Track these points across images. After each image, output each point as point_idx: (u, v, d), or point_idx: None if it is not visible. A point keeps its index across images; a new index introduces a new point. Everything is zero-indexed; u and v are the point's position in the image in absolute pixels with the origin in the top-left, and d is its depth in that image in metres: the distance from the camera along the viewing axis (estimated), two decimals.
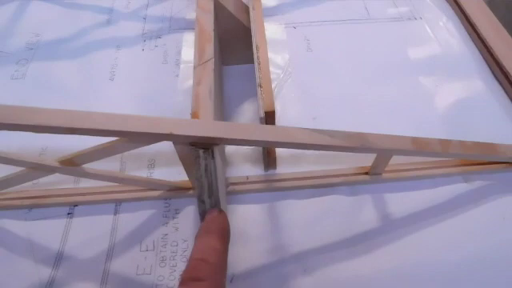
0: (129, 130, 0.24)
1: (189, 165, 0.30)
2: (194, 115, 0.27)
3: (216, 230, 0.24)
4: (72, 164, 0.28)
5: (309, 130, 0.27)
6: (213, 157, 0.26)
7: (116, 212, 0.35)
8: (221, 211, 0.25)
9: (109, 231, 0.33)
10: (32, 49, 0.48)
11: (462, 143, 0.32)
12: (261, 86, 0.29)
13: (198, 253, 0.22)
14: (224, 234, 0.24)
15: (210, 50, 0.32)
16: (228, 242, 0.24)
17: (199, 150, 0.26)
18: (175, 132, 0.25)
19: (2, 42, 0.49)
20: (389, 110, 0.41)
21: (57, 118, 0.24)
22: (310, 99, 0.42)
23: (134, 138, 0.26)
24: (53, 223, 0.34)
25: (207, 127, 0.25)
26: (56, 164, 0.28)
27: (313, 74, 0.45)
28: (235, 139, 0.25)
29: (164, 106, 0.42)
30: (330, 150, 0.28)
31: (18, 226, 0.34)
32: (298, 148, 0.27)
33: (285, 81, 0.44)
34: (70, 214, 0.34)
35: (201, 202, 0.26)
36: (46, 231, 0.33)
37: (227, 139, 0.25)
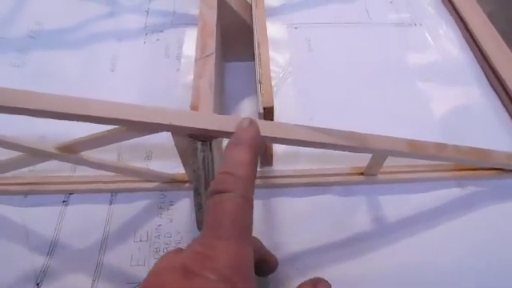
0: (128, 118, 0.24)
1: (186, 157, 0.30)
2: (194, 108, 0.28)
3: (245, 142, 0.23)
4: (70, 151, 0.29)
5: (307, 128, 0.27)
6: (211, 149, 0.26)
7: (111, 202, 0.35)
8: (252, 121, 0.24)
9: (103, 221, 0.34)
10: (33, 37, 0.48)
11: (456, 148, 0.32)
12: (261, 82, 0.30)
13: (225, 166, 0.22)
14: (253, 146, 0.23)
15: (212, 44, 0.32)
16: (258, 154, 0.23)
17: (197, 142, 0.26)
18: (174, 123, 0.25)
19: (4, 29, 0.49)
20: (386, 113, 0.41)
21: (57, 103, 0.24)
22: (308, 99, 0.43)
23: (133, 127, 0.26)
24: (48, 210, 0.34)
25: (207, 119, 0.26)
26: (54, 150, 0.28)
27: (312, 74, 0.45)
28: (233, 133, 0.25)
29: (163, 99, 0.42)
30: (327, 149, 0.28)
31: (13, 212, 0.34)
32: (296, 145, 0.27)
33: (284, 80, 0.44)
34: (65, 202, 0.35)
35: (197, 194, 0.27)
36: (41, 218, 0.34)
37: (226, 132, 0.25)
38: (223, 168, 0.22)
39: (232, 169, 0.22)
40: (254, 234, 0.32)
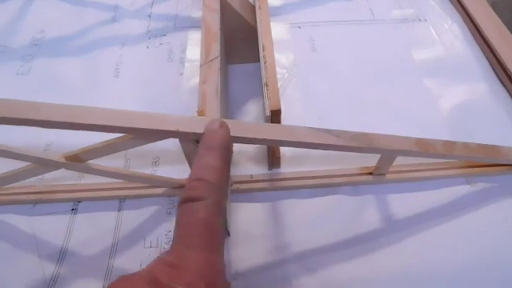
0: (135, 126, 0.24)
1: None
2: (201, 113, 0.28)
3: (215, 147, 0.22)
4: (78, 160, 0.29)
5: (315, 130, 0.27)
6: None
7: (120, 208, 0.35)
8: (222, 123, 0.24)
9: (113, 227, 0.34)
10: (37, 45, 0.49)
11: (465, 145, 0.32)
12: (267, 85, 0.29)
13: (197, 173, 0.21)
14: (224, 150, 0.22)
15: (216, 48, 0.32)
16: (230, 158, 0.23)
17: None
18: (182, 129, 0.25)
19: (8, 38, 0.49)
20: (393, 110, 0.41)
21: (63, 113, 0.24)
22: (314, 99, 0.42)
23: (140, 135, 0.26)
24: (57, 219, 0.34)
25: None
26: (62, 160, 0.28)
27: (317, 74, 0.45)
28: (241, 137, 0.25)
29: (168, 103, 0.42)
30: (336, 150, 0.28)
31: (22, 221, 0.34)
32: (304, 147, 0.27)
33: (289, 80, 0.44)
34: (74, 210, 0.35)
35: None
36: (50, 227, 0.34)
37: (233, 137, 0.25)
38: (194, 173, 0.21)
39: (203, 174, 0.21)
40: (263, 235, 0.33)
